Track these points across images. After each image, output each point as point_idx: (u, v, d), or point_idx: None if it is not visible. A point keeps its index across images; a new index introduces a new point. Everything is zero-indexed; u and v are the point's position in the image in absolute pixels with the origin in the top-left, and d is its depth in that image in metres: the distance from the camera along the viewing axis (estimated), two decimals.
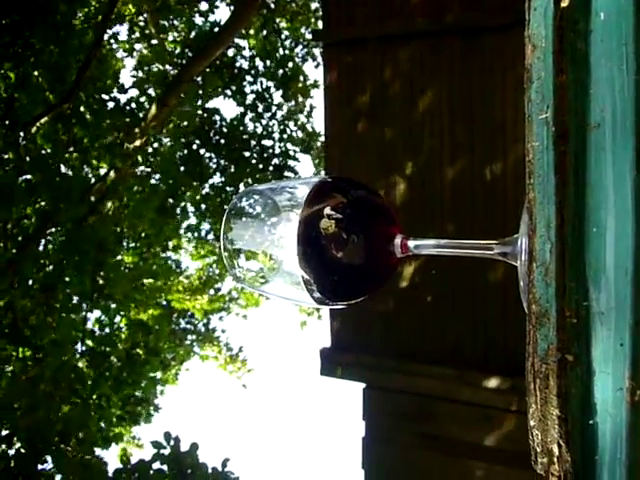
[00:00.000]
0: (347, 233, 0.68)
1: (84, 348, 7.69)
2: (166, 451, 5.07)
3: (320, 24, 8.68)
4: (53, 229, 7.37)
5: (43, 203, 7.39)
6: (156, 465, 5.06)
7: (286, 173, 10.15)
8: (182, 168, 9.73)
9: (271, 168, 10.05)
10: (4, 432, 5.60)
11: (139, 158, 8.02)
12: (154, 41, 9.68)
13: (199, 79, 9.01)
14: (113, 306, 8.08)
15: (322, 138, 10.50)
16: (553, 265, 0.53)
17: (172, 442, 5.07)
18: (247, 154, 10.10)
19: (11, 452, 5.51)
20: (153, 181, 9.16)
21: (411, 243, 0.69)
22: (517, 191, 4.19)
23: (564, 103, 0.52)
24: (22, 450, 5.45)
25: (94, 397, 7.19)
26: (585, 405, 0.53)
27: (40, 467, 5.43)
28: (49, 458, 5.51)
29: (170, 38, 9.93)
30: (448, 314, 4.57)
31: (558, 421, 0.54)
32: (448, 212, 4.59)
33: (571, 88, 0.52)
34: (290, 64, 10.40)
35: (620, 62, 0.50)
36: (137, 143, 7.44)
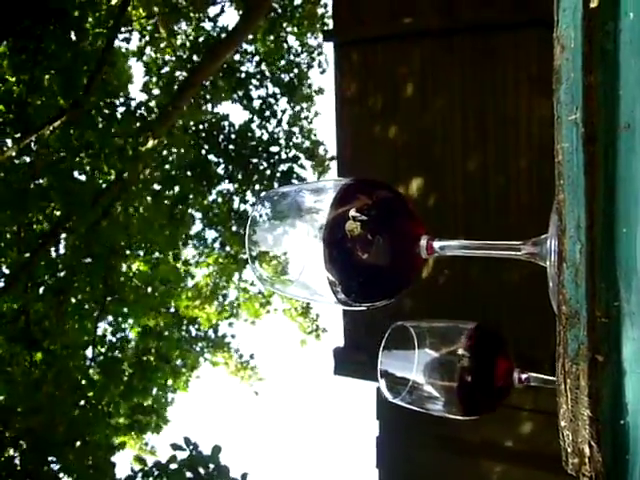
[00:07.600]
0: (372, 235, 0.68)
1: (95, 353, 7.70)
2: (185, 454, 5.06)
3: (331, 24, 8.68)
4: (65, 233, 7.39)
5: (56, 207, 7.41)
6: (173, 466, 5.05)
7: (293, 180, 10.06)
8: (190, 173, 9.65)
9: (278, 175, 9.96)
10: (10, 435, 5.60)
11: (149, 162, 8.02)
12: (163, 45, 9.69)
13: (207, 83, 9.01)
14: (124, 311, 8.06)
15: (323, 146, 10.54)
16: (583, 266, 0.53)
17: (191, 447, 5.06)
18: (255, 160, 10.02)
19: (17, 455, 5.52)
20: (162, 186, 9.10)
21: (437, 244, 0.69)
22: (531, 191, 4.17)
23: (593, 104, 0.52)
24: (28, 453, 5.44)
25: (103, 403, 7.17)
26: (616, 405, 0.53)
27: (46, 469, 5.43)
28: (55, 460, 5.51)
29: (179, 42, 9.94)
30: (461, 312, 4.54)
31: (589, 421, 0.54)
32: (461, 213, 4.57)
33: (600, 89, 0.52)
34: (296, 70, 10.38)
35: None
36: (148, 146, 7.46)
